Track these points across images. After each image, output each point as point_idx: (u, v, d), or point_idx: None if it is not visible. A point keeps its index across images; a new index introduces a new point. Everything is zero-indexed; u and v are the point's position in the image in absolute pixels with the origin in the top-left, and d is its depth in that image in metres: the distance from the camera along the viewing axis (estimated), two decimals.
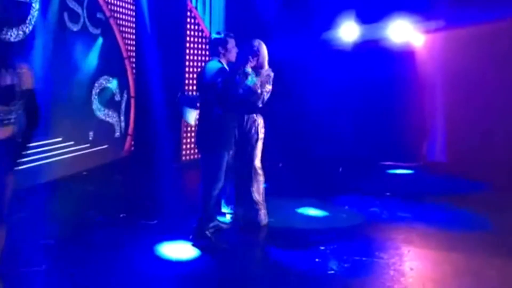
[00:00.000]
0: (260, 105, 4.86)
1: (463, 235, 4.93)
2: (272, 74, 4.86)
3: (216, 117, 4.38)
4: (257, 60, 4.83)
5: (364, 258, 4.26)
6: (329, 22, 8.23)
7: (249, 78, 4.72)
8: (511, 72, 7.33)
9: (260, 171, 5.01)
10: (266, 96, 4.81)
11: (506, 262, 4.24)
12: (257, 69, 4.83)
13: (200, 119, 4.62)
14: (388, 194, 6.48)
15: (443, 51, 8.03)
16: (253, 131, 4.92)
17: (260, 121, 4.96)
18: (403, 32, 7.88)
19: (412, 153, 8.40)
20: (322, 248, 4.48)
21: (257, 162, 4.99)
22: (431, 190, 6.83)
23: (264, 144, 8.37)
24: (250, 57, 4.79)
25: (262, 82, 4.76)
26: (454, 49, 7.79)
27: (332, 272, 4.00)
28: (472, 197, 6.44)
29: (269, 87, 4.81)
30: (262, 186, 5.04)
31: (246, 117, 4.88)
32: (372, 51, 7.86)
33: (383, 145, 8.07)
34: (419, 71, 8.20)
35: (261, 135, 4.98)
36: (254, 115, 4.92)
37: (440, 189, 6.89)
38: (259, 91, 4.74)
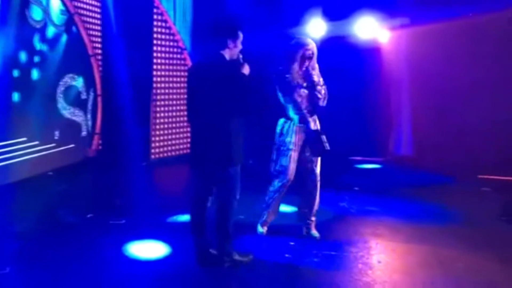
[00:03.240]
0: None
1: (430, 228, 5.03)
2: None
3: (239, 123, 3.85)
4: (310, 62, 4.50)
5: (333, 253, 4.31)
6: (297, 18, 8.26)
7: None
8: (475, 66, 7.50)
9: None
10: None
11: (472, 253, 4.35)
12: (309, 71, 4.48)
13: (223, 127, 3.80)
14: (356, 188, 6.57)
15: (408, 47, 8.18)
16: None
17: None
18: (369, 28, 7.97)
19: (380, 148, 8.53)
20: (291, 243, 4.51)
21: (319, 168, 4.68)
22: (399, 184, 6.96)
23: None
24: (306, 59, 4.44)
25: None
26: (419, 45, 7.94)
27: (302, 267, 4.03)
28: (438, 190, 6.59)
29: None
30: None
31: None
32: (339, 47, 7.92)
33: (351, 140, 8.16)
34: (385, 67, 8.32)
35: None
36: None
37: (407, 183, 7.02)
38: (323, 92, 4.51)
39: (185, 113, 9.27)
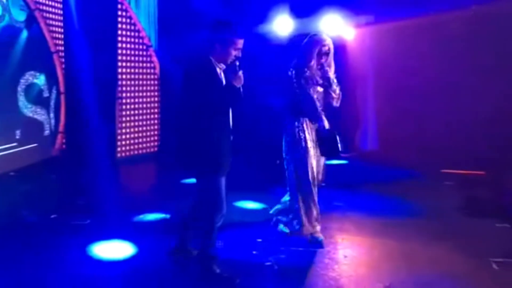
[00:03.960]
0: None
1: (395, 222, 5.12)
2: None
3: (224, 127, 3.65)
4: (326, 59, 4.39)
5: (300, 248, 4.34)
6: (264, 15, 8.27)
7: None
8: (438, 63, 7.67)
9: None
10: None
11: (435, 246, 4.45)
12: (324, 68, 4.37)
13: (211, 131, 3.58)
14: (323, 184, 6.61)
15: (373, 44, 8.30)
16: None
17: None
18: (335, 26, 8.05)
19: (346, 144, 8.62)
20: (259, 240, 4.52)
21: None
22: (365, 179, 7.04)
23: None
24: (323, 55, 4.32)
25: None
26: (383, 43, 8.07)
27: (269, 263, 4.04)
28: (403, 185, 6.70)
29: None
30: None
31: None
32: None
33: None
34: (350, 64, 8.41)
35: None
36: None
37: (373, 178, 7.12)
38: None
39: (152, 110, 9.19)
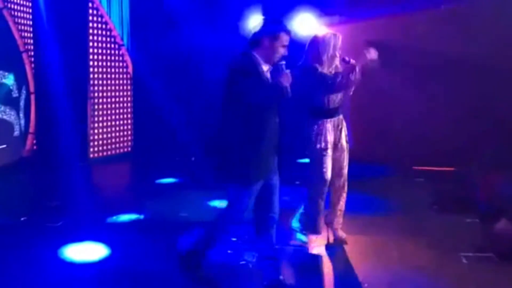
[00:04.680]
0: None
1: (367, 218, 5.19)
2: None
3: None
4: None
5: (276, 246, 4.34)
6: (237, 15, 8.27)
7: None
8: (410, 61, 7.77)
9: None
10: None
11: (407, 242, 4.52)
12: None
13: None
14: (298, 182, 6.66)
15: (346, 43, 8.35)
16: (343, 133, 4.48)
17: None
18: (307, 25, 8.10)
19: None
20: (234, 239, 4.52)
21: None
22: None
23: (179, 137, 8.28)
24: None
25: None
26: (356, 41, 8.14)
27: (244, 262, 4.05)
28: (375, 181, 6.79)
29: None
30: None
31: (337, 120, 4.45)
32: None
33: (293, 135, 8.27)
34: None
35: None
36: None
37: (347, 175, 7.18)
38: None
39: (125, 109, 9.10)
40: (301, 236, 4.58)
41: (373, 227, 4.92)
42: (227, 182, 3.43)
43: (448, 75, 7.39)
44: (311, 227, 4.45)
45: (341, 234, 4.46)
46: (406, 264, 4.06)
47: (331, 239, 4.46)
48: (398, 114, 8.03)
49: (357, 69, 4.22)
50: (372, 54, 3.69)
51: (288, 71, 3.35)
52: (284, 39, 3.36)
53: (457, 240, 4.56)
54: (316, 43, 4.44)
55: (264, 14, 3.71)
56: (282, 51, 3.36)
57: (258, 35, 3.37)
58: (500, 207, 5.04)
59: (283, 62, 3.37)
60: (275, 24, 3.43)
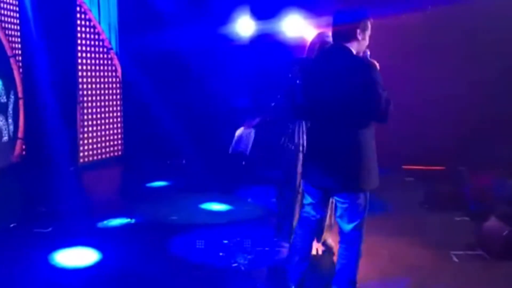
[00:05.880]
0: None
1: None
2: None
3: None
4: None
5: (266, 248, 4.36)
6: (225, 17, 8.28)
7: None
8: (399, 61, 7.80)
9: None
10: None
11: (396, 240, 4.56)
12: None
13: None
14: None
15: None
16: None
17: None
18: (296, 27, 8.12)
19: None
20: (225, 242, 4.52)
21: None
22: None
23: (169, 139, 8.20)
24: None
25: None
26: None
27: (236, 264, 4.05)
28: None
29: None
30: None
31: None
32: (268, 45, 8.02)
33: (280, 135, 8.27)
34: None
35: None
36: None
37: None
38: None
39: (115, 114, 9.05)
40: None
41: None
42: (362, 191, 3.24)
43: (437, 74, 7.45)
44: (283, 233, 4.25)
45: (330, 242, 4.33)
46: (397, 263, 4.09)
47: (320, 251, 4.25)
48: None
49: None
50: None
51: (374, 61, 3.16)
52: (370, 26, 3.16)
53: (447, 238, 4.59)
54: (307, 45, 4.42)
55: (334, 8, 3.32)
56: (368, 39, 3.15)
57: (348, 27, 3.08)
58: (489, 205, 5.10)
59: (368, 52, 3.20)
60: (360, 12, 3.18)
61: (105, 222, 5.12)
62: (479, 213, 5.02)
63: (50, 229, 4.82)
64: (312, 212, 3.37)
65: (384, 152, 7.34)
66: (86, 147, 7.91)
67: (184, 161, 8.16)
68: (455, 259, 4.19)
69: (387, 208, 5.59)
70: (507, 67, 6.94)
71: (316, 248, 4.14)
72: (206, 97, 8.28)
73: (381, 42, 7.62)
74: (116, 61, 8.34)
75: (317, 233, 3.87)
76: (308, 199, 3.40)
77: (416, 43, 7.60)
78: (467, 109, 7.21)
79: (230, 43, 8.26)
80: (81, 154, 7.84)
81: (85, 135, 7.88)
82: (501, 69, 6.94)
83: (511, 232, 4.13)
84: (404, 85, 7.70)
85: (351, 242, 3.30)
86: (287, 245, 4.09)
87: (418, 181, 6.74)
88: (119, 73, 8.40)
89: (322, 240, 4.25)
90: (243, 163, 7.92)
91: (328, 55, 3.15)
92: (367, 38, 3.14)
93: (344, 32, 3.08)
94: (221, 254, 4.27)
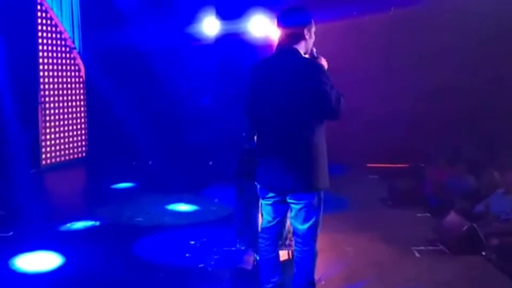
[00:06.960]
0: None
1: (324, 216, 5.20)
2: None
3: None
4: None
5: (233, 248, 4.36)
6: (191, 16, 8.23)
7: None
8: (363, 61, 7.92)
9: None
10: None
11: (361, 236, 4.65)
12: None
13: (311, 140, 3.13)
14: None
15: None
16: None
17: None
18: (262, 26, 8.15)
19: None
20: (192, 242, 4.50)
21: None
22: None
23: (134, 140, 8.07)
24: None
25: None
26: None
27: (202, 265, 4.04)
28: (331, 179, 6.87)
29: None
30: None
31: None
32: (233, 44, 8.02)
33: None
34: None
35: None
36: None
37: None
38: None
39: (78, 114, 8.86)
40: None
41: (329, 224, 4.94)
42: (316, 191, 3.24)
43: (401, 75, 7.60)
44: (245, 238, 4.13)
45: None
46: (361, 259, 4.16)
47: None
48: (351, 112, 8.18)
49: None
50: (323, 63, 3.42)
51: (322, 57, 3.18)
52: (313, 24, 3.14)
53: (409, 234, 4.70)
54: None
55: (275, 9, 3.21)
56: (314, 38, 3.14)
57: (297, 28, 3.04)
58: (448, 200, 5.24)
59: (314, 49, 3.18)
60: (303, 12, 3.12)
61: (68, 225, 5.02)
62: (439, 209, 5.16)
63: (11, 233, 4.70)
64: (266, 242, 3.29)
65: (349, 151, 7.57)
66: (48, 149, 7.73)
67: (150, 162, 8.08)
68: (417, 255, 4.29)
69: (351, 205, 5.68)
70: (465, 65, 7.15)
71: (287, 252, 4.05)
72: (171, 96, 8.22)
73: (341, 47, 7.82)
74: (79, 61, 8.19)
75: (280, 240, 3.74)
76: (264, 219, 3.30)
77: (377, 45, 7.74)
78: (431, 108, 7.39)
79: (195, 43, 8.21)
80: (43, 156, 7.66)
81: (47, 136, 7.70)
82: (459, 66, 7.15)
83: (471, 227, 4.26)
84: (366, 85, 7.85)
85: (306, 242, 3.24)
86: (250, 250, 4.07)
87: (382, 179, 6.87)
88: (82, 73, 8.25)
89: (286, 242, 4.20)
90: (210, 163, 7.93)
91: (276, 59, 3.10)
92: (313, 35, 3.12)
93: (292, 33, 3.05)
94: (187, 255, 4.25)
